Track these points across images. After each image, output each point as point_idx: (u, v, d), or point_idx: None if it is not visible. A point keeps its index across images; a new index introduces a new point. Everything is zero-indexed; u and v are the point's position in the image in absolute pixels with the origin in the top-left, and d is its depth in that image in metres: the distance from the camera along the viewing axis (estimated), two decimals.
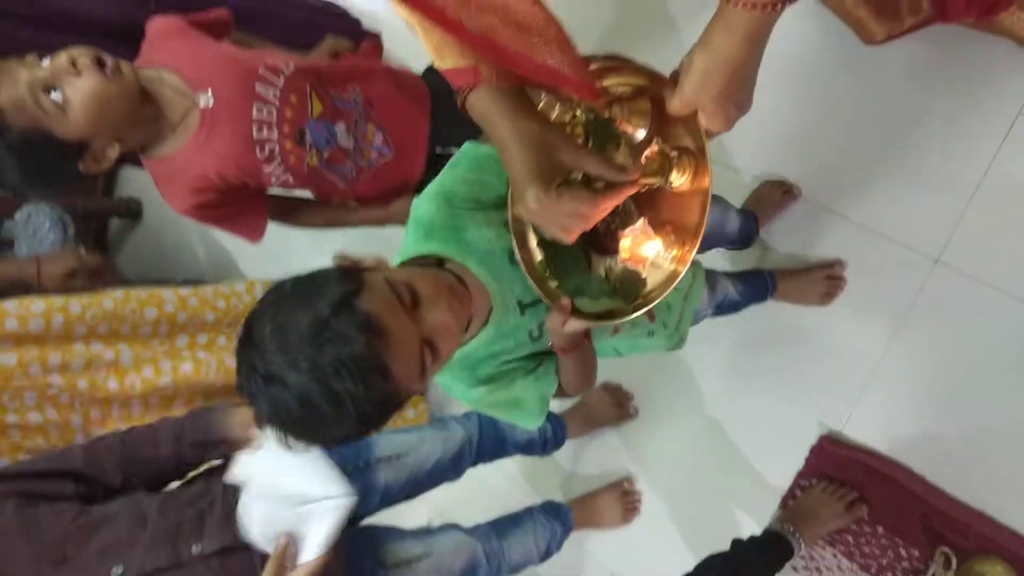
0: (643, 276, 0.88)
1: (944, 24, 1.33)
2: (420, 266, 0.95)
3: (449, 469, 1.63)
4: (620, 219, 0.88)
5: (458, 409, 1.80)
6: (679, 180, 0.81)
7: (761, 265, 1.72)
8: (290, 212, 1.63)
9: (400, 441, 1.58)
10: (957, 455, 1.52)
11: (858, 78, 1.57)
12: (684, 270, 0.83)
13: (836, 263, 1.63)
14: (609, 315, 0.90)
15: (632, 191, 0.79)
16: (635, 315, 0.87)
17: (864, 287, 1.62)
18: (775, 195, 1.68)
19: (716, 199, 1.51)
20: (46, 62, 1.28)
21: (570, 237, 0.82)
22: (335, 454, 1.40)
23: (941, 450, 1.54)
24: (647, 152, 0.79)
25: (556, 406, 1.93)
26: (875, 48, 1.45)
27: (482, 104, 0.75)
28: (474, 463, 1.71)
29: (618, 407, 1.99)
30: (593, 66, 0.82)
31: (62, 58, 1.28)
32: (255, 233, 1.55)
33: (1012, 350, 1.44)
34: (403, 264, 0.97)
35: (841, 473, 1.64)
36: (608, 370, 2.07)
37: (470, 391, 1.01)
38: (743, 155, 1.77)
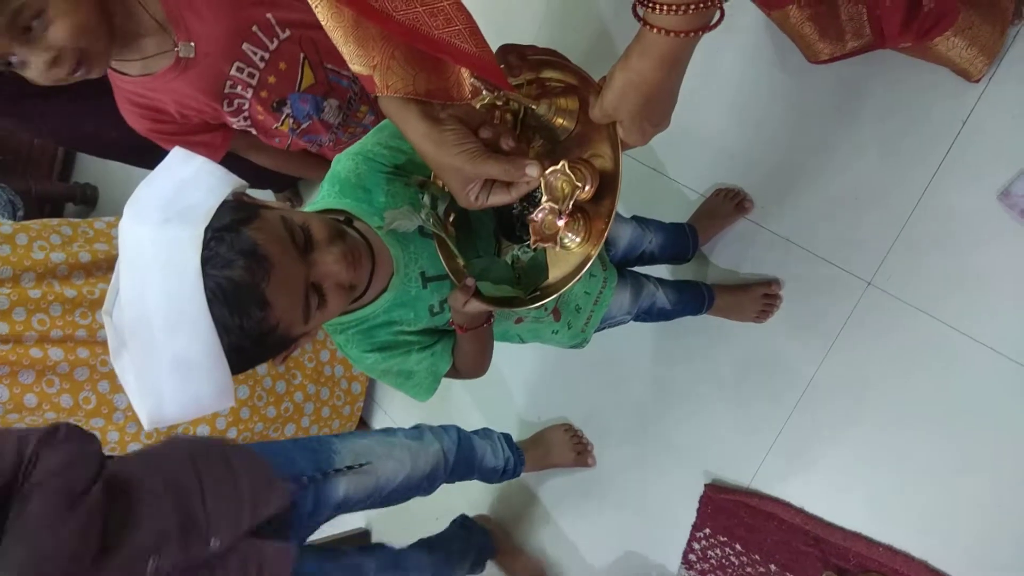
0: (547, 269, 0.89)
1: (885, 49, 1.37)
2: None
3: (419, 487, 1.56)
4: (531, 208, 0.88)
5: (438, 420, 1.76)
6: (583, 192, 0.81)
7: (700, 279, 1.72)
8: (261, 151, 1.56)
9: (364, 448, 1.48)
10: (834, 482, 1.58)
11: (802, 97, 1.59)
12: (583, 270, 0.83)
13: (773, 282, 1.64)
14: (507, 302, 0.91)
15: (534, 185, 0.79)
16: (531, 307, 0.88)
17: (799, 307, 1.63)
18: (727, 207, 1.67)
19: (640, 220, 1.52)
20: None
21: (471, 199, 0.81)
22: (290, 463, 1.35)
23: (821, 480, 1.60)
24: (551, 171, 0.78)
25: (515, 436, 1.91)
26: (820, 68, 1.49)
27: (389, 107, 0.77)
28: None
29: (577, 454, 1.94)
30: (533, 56, 0.83)
31: None
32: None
33: (928, 370, 1.46)
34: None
35: (730, 519, 1.67)
36: (563, 405, 2.06)
37: (364, 356, 1.00)
38: (684, 170, 1.78)
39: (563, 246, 0.83)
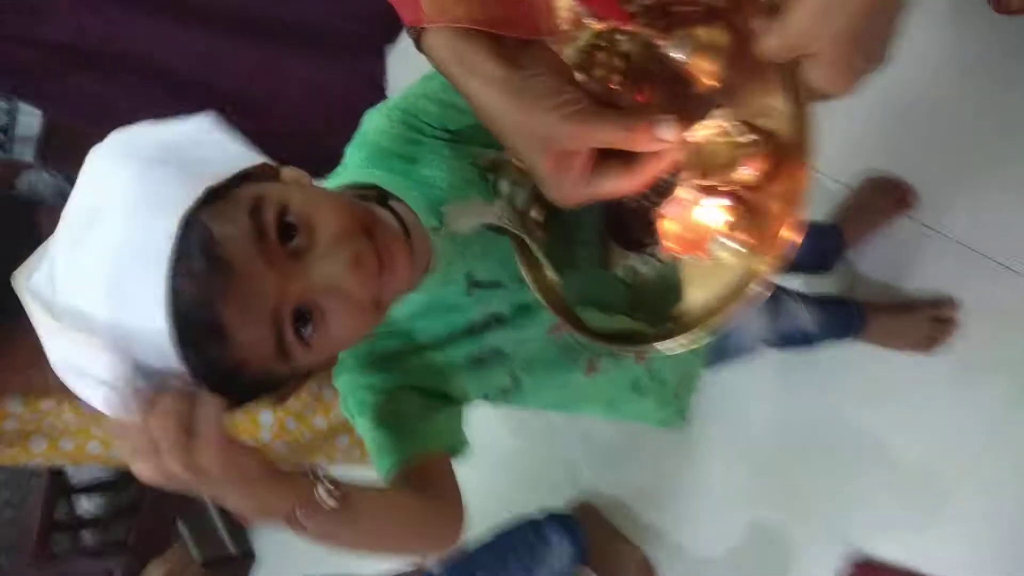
0: (680, 282, 0.63)
1: None
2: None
3: None
4: (657, 199, 0.60)
5: None
6: (748, 173, 0.55)
7: (846, 294, 1.45)
8: None
9: None
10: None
11: (981, 58, 1.33)
12: (746, 295, 0.57)
13: (944, 301, 1.35)
14: (626, 339, 0.65)
15: (673, 159, 0.54)
16: (663, 347, 0.61)
17: (980, 334, 1.32)
18: (882, 202, 1.41)
19: None
20: None
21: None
22: None
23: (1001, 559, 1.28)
24: (702, 132, 0.54)
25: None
26: (1007, 20, 1.24)
27: (442, 48, 0.55)
28: None
29: None
30: None
31: None
32: None
33: None
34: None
35: None
36: None
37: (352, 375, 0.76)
38: (822, 154, 1.47)
39: (715, 257, 0.56)
